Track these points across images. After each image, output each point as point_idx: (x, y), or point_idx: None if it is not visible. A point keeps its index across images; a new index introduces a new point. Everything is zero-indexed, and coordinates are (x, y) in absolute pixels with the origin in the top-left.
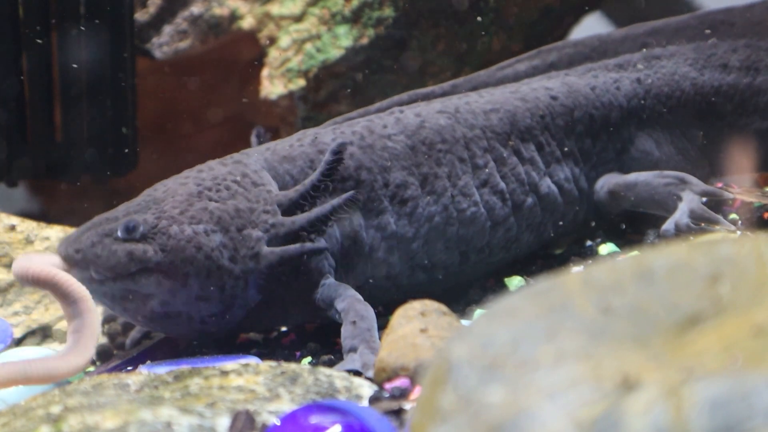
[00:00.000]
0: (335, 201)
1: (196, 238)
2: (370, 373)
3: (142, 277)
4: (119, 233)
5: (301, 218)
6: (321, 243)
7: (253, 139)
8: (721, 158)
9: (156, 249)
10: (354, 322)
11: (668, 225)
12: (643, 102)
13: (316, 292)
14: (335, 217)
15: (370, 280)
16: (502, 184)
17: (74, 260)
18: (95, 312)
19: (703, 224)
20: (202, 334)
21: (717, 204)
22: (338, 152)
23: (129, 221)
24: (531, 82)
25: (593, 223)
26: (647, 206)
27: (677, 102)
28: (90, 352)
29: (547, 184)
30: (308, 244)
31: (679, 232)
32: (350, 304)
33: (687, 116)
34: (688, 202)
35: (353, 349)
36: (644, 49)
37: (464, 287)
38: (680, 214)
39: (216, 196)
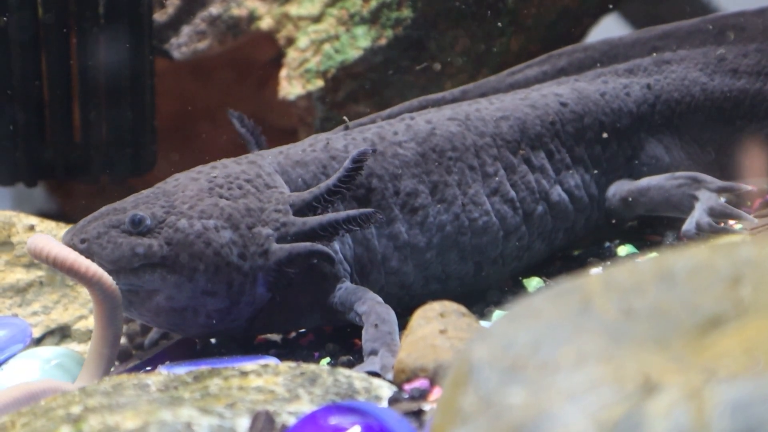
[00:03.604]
0: (352, 212)
1: (206, 233)
2: (390, 376)
3: (146, 273)
4: (126, 225)
5: (312, 220)
6: (334, 249)
7: (236, 122)
8: (732, 163)
9: (161, 243)
10: (376, 325)
11: (688, 225)
12: (653, 108)
13: (332, 296)
14: (347, 227)
15: (384, 289)
16: (513, 193)
17: (79, 250)
18: (120, 323)
19: (722, 223)
20: (209, 331)
21: (735, 203)
22: (358, 160)
23: (136, 214)
24: (541, 88)
25: (605, 229)
26: (663, 210)
27: (687, 107)
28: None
29: (557, 192)
30: (318, 245)
31: (701, 231)
32: (371, 306)
33: (697, 121)
34: (706, 200)
35: (374, 352)
36: (654, 54)
37: (481, 291)
38: (699, 213)
39: (227, 193)
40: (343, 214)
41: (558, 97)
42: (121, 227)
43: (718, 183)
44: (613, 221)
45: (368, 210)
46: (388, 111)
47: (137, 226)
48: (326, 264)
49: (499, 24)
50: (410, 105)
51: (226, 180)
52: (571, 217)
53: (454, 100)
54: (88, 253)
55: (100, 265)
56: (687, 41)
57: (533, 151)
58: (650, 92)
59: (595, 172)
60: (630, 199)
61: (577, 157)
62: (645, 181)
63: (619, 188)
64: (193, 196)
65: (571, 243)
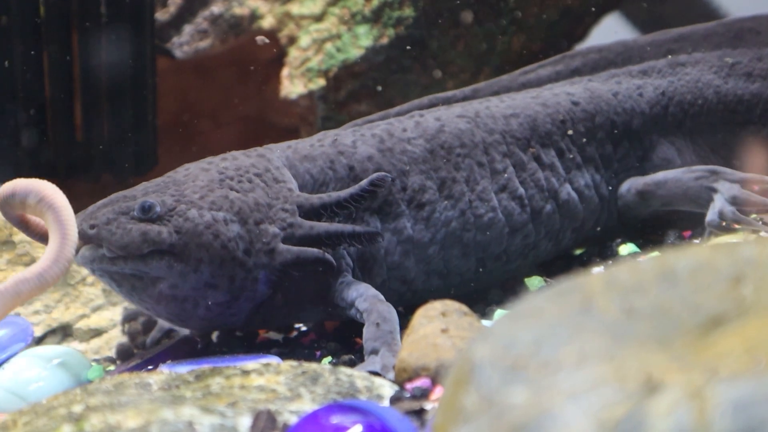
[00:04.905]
0: (359, 228)
1: (215, 225)
2: (390, 376)
3: (153, 259)
4: (136, 212)
5: (320, 227)
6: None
7: None
8: (744, 167)
9: (171, 231)
10: (377, 324)
11: (711, 216)
12: (665, 109)
13: (333, 290)
14: (351, 242)
15: (386, 284)
16: (521, 190)
17: (88, 236)
18: (65, 206)
19: (749, 213)
20: (207, 324)
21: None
22: (377, 184)
23: (146, 201)
24: (553, 87)
25: (615, 230)
26: (680, 203)
27: (700, 110)
28: (69, 251)
29: (566, 191)
30: (326, 254)
31: (724, 219)
32: (373, 304)
33: (710, 124)
34: (727, 190)
35: (374, 351)
36: (669, 56)
37: (484, 288)
38: (721, 203)
39: (237, 186)
40: (349, 227)
41: (570, 96)
42: (130, 214)
43: (739, 174)
44: (625, 221)
45: (373, 230)
46: (397, 109)
47: (147, 213)
48: (326, 265)
49: (500, 22)
50: (420, 103)
51: (236, 172)
52: (579, 217)
53: (464, 98)
54: (97, 239)
55: (110, 250)
56: (702, 44)
57: (543, 149)
58: (663, 94)
59: (605, 171)
60: (647, 192)
61: (588, 156)
62: (661, 175)
63: (634, 183)
64: (204, 187)
65: (579, 243)
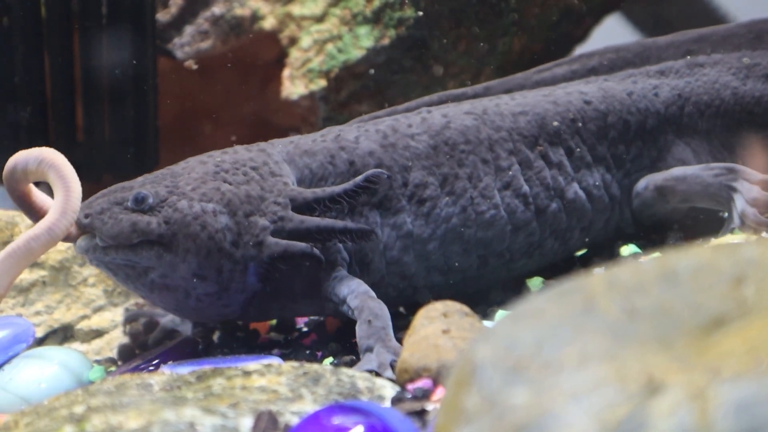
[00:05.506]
0: (351, 224)
1: (203, 216)
2: (388, 373)
3: (143, 250)
4: (129, 203)
5: (310, 221)
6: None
7: None
8: (761, 169)
9: (160, 221)
10: (369, 321)
11: (736, 219)
12: (681, 110)
13: (327, 285)
14: (341, 237)
15: (385, 279)
16: (526, 188)
17: (82, 225)
18: (65, 163)
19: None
20: (200, 314)
21: None
22: (372, 181)
23: (139, 192)
24: (567, 86)
25: (627, 232)
26: (698, 200)
27: (717, 111)
28: (75, 203)
29: (574, 190)
30: (314, 249)
31: (747, 220)
32: (363, 301)
33: (726, 126)
34: (747, 191)
35: (369, 349)
36: (688, 57)
37: (485, 288)
38: (743, 205)
39: (231, 178)
40: (341, 223)
41: (582, 95)
42: (124, 204)
43: (759, 175)
44: (640, 220)
45: (365, 227)
46: (405, 105)
47: (140, 204)
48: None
49: (501, 22)
50: (430, 100)
51: (232, 165)
52: (588, 217)
53: (475, 95)
54: (90, 228)
55: (102, 240)
56: (722, 45)
57: (551, 147)
58: (680, 95)
59: (617, 172)
60: (666, 188)
61: (599, 155)
62: (680, 170)
63: (651, 179)
64: (198, 179)
65: (588, 244)
